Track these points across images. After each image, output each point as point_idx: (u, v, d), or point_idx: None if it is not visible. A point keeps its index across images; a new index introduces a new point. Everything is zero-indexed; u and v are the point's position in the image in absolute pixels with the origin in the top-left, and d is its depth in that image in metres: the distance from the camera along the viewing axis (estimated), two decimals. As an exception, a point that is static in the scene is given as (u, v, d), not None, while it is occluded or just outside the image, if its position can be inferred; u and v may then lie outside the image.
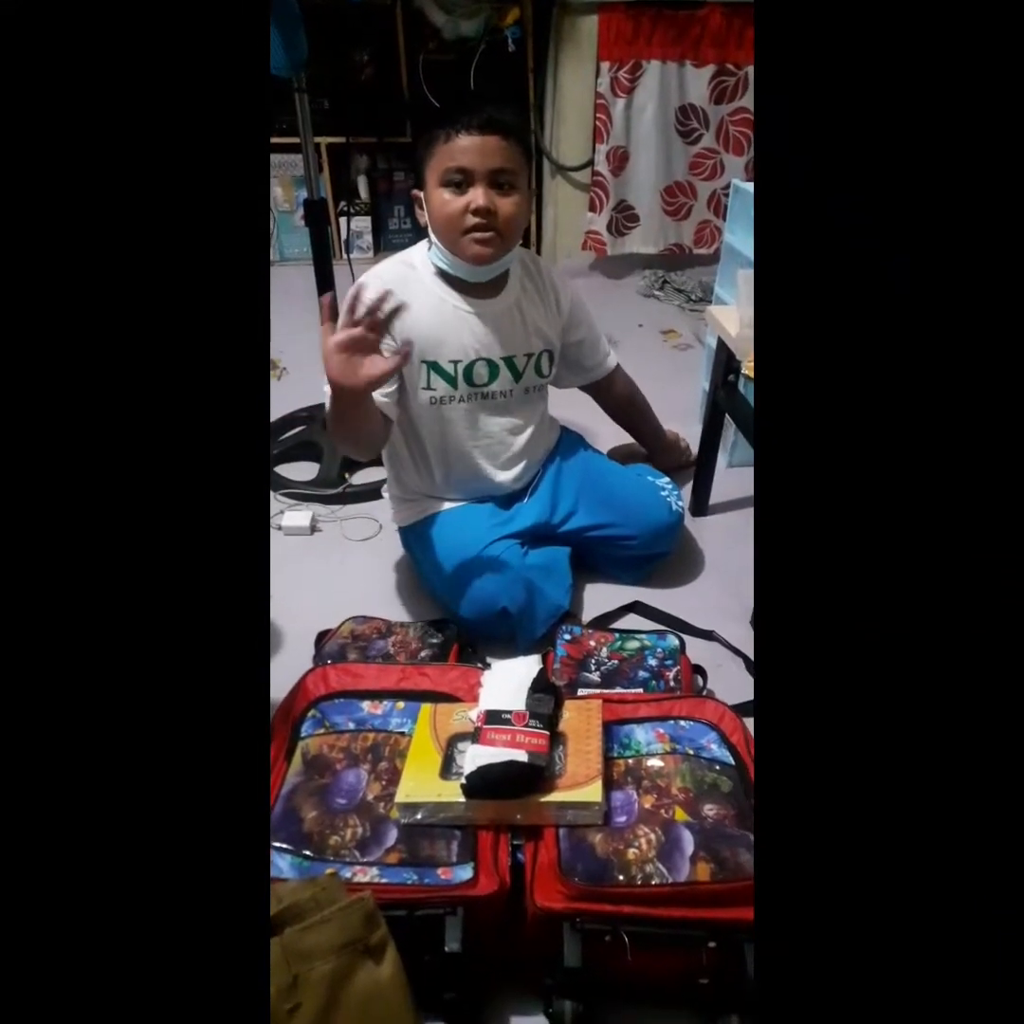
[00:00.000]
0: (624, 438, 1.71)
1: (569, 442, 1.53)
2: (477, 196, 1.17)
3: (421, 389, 1.31)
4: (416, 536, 1.43)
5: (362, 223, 2.97)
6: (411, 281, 1.27)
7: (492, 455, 1.38)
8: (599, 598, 1.43)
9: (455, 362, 1.30)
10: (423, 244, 1.30)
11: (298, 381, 2.11)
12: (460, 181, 1.17)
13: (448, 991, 0.81)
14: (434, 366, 1.29)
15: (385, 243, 3.06)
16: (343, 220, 2.87)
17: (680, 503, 1.45)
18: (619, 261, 2.92)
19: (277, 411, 1.92)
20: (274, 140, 2.72)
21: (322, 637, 1.28)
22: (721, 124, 2.78)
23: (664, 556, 1.47)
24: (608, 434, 1.67)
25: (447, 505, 1.40)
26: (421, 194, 1.24)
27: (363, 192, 2.97)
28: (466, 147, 1.15)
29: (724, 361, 1.50)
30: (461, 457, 1.37)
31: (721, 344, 1.49)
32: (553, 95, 2.76)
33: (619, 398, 1.59)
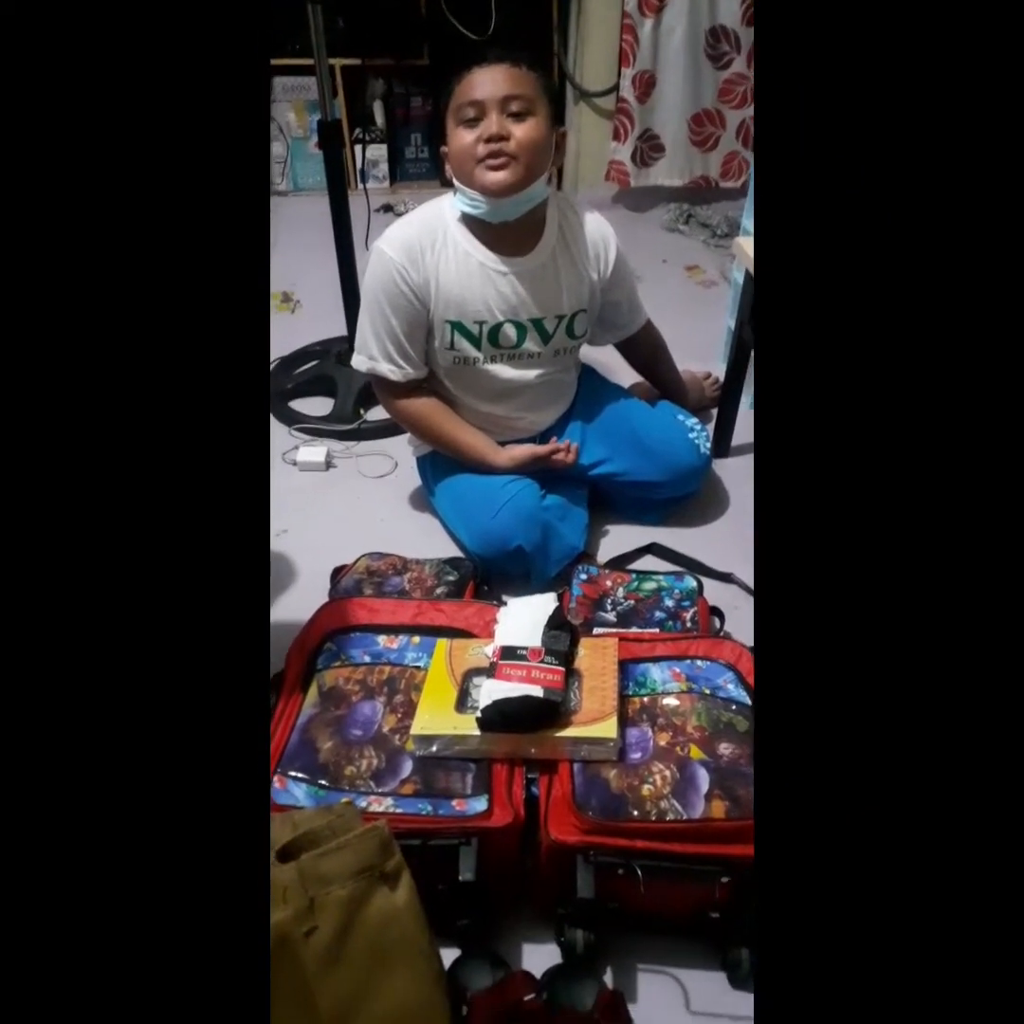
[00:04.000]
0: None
1: (590, 381, 1.49)
2: (489, 124, 1.13)
3: (445, 349, 1.28)
4: (433, 466, 1.41)
5: (378, 151, 2.87)
6: (438, 235, 1.23)
7: (515, 405, 1.36)
8: (616, 539, 1.42)
9: (480, 323, 1.26)
10: (451, 196, 1.25)
11: (312, 314, 2.07)
12: (473, 115, 1.14)
13: (462, 918, 0.83)
14: (458, 326, 1.26)
15: (402, 173, 2.97)
16: (358, 148, 2.78)
17: (708, 445, 1.42)
18: (643, 193, 2.82)
19: (291, 345, 1.89)
20: (287, 62, 2.62)
21: (338, 573, 1.28)
22: (753, 48, 2.65)
23: (689, 497, 1.45)
24: (627, 368, 1.62)
25: None
26: (447, 149, 1.20)
27: (379, 118, 2.87)
28: (477, 80, 1.13)
29: (750, 296, 1.45)
30: (483, 405, 1.35)
31: (748, 278, 1.44)
32: (577, 14, 2.63)
33: (645, 351, 1.54)
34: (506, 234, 1.23)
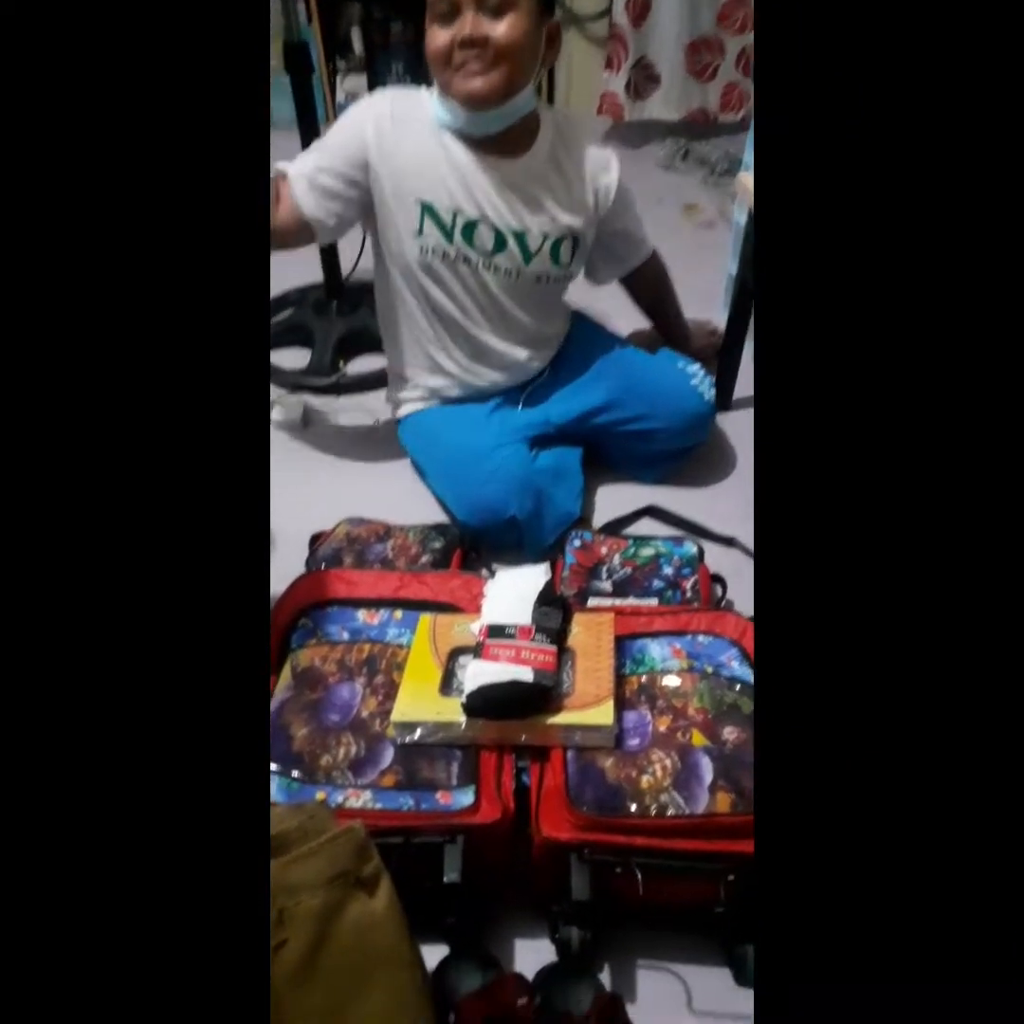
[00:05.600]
0: (640, 323, 1.56)
1: (584, 327, 1.39)
2: (464, 25, 1.00)
3: (413, 236, 1.16)
4: (416, 429, 1.32)
5: (357, 82, 2.70)
6: (414, 110, 1.12)
7: (495, 325, 1.24)
8: (612, 500, 1.34)
9: (454, 213, 1.14)
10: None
11: (286, 260, 1.93)
12: (447, 10, 1.01)
13: (449, 917, 0.77)
14: (429, 209, 1.14)
15: (382, 107, 2.80)
16: (337, 80, 2.61)
17: (712, 391, 1.33)
18: (637, 128, 2.67)
19: (265, 293, 1.78)
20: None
21: (316, 540, 1.20)
22: (757, -35, 2.47)
23: (691, 450, 1.36)
24: (624, 319, 1.53)
25: (455, 393, 1.30)
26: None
27: (357, 46, 2.69)
28: None
29: (754, 236, 1.34)
30: (457, 323, 1.23)
31: (751, 218, 1.34)
32: (568, -70, 2.45)
33: (652, 286, 1.43)
34: (490, 144, 1.12)
